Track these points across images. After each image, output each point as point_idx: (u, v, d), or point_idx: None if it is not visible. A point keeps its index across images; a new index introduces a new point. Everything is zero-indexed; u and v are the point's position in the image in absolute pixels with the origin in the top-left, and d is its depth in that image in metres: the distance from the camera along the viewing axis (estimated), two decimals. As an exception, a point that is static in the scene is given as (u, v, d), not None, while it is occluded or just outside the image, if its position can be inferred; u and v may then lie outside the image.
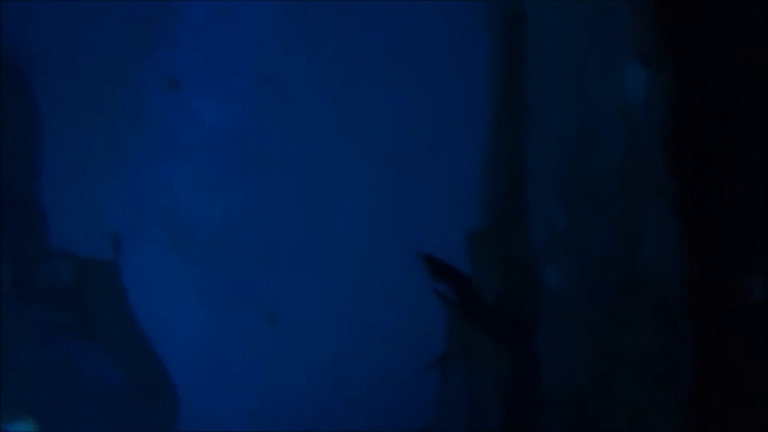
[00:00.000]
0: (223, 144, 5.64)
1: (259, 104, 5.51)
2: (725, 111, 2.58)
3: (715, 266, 2.56)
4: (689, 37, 2.62)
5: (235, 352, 5.50)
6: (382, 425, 4.63)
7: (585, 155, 3.24)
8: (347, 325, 5.06)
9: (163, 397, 5.53)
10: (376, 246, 5.01)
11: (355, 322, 5.04)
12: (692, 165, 2.59)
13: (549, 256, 3.59)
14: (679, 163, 2.64)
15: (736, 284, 2.50)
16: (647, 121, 2.81)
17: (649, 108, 2.78)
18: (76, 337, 5.73)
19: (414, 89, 4.92)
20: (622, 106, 2.95)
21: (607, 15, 2.97)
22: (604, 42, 3.09)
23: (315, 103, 5.32)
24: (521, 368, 3.73)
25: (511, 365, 3.71)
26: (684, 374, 2.60)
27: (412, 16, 4.88)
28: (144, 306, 5.57)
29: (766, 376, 2.47)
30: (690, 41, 2.62)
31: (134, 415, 5.47)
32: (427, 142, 4.88)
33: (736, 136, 2.56)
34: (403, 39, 4.93)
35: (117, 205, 5.96)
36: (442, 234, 4.76)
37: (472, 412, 4.07)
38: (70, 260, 6.04)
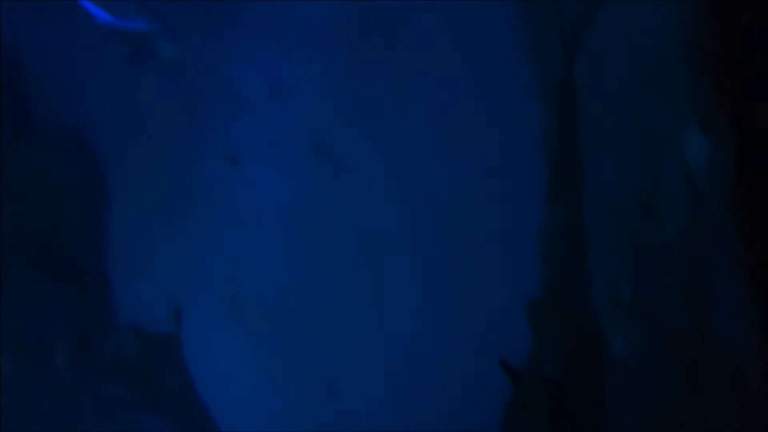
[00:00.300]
0: (280, 215, 5.67)
1: (315, 175, 5.54)
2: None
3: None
4: (750, 101, 2.52)
5: (294, 421, 5.40)
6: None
7: (647, 221, 3.11)
8: (402, 394, 4.93)
9: (224, 470, 5.45)
10: (431, 316, 4.91)
11: (410, 390, 4.89)
12: (764, 232, 2.45)
13: (614, 324, 3.43)
14: (750, 230, 2.50)
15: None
16: (711, 187, 2.68)
17: (713, 173, 2.66)
18: (139, 409, 5.73)
19: (467, 158, 4.88)
20: (684, 172, 2.83)
21: (662, 79, 2.89)
22: (660, 107, 3.00)
23: (369, 173, 5.32)
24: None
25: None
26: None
27: (464, 86, 4.88)
28: (204, 377, 5.55)
29: None
30: (751, 105, 2.52)
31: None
32: (482, 211, 4.80)
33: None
34: (456, 109, 4.93)
35: (178, 277, 6.02)
36: (499, 302, 4.63)
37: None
38: (133, 333, 6.09)
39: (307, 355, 5.25)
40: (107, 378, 5.87)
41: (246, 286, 5.67)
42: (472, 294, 4.78)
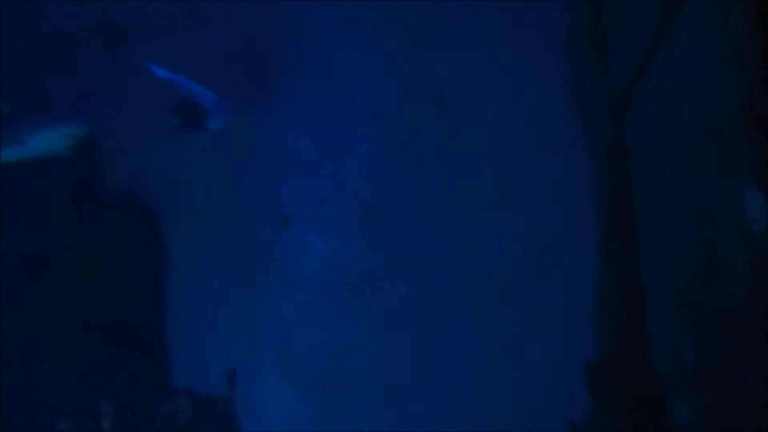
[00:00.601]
0: (331, 276, 5.64)
1: (364, 236, 5.53)
2: None
3: None
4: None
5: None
6: None
7: (707, 284, 2.96)
8: None
9: None
10: (485, 378, 4.76)
11: None
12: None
13: (677, 391, 3.25)
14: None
15: None
16: (773, 248, 2.55)
17: (774, 234, 2.53)
18: (195, 475, 5.67)
19: (518, 218, 4.79)
20: (744, 232, 2.70)
21: (717, 139, 2.79)
22: (716, 165, 2.88)
23: (418, 232, 5.27)
24: None
25: None
26: None
27: (514, 146, 4.84)
28: (258, 441, 5.48)
29: None
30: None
31: None
32: (534, 270, 4.68)
33: None
34: (506, 169, 4.87)
35: (232, 340, 6.00)
36: (555, 365, 4.47)
37: None
38: (188, 397, 6.07)
39: (358, 417, 5.13)
40: (163, 442, 5.85)
41: (298, 348, 5.61)
42: (526, 355, 4.63)
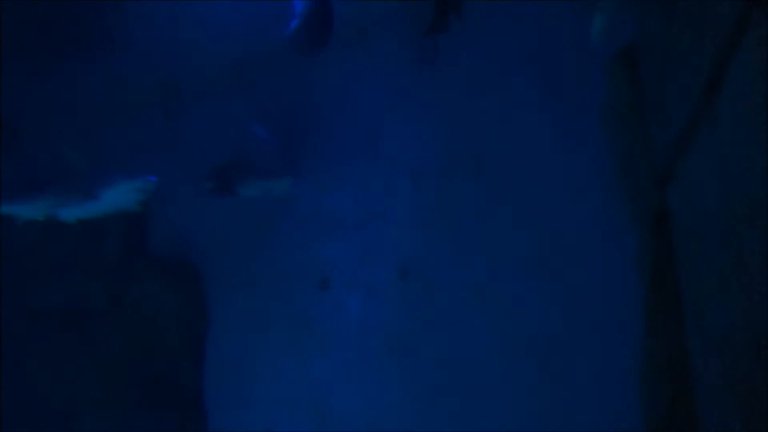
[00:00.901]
0: (368, 338, 5.57)
1: (402, 298, 5.46)
2: None
3: None
4: None
5: None
6: None
7: (757, 362, 2.83)
8: None
9: None
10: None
11: None
12: None
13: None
14: None
15: None
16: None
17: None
18: None
19: (558, 282, 4.69)
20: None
21: (760, 217, 2.70)
22: (761, 243, 2.79)
23: (456, 294, 5.19)
24: None
25: None
26: None
27: (554, 214, 4.78)
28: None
29: None
30: None
31: None
32: (574, 339, 4.56)
33: None
34: (546, 232, 4.80)
35: (270, 400, 5.93)
36: (596, 436, 4.30)
37: None
38: (226, 456, 6.00)
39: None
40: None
41: (334, 410, 5.51)
42: (566, 425, 4.46)
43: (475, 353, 4.98)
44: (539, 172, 4.90)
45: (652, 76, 3.64)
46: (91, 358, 6.48)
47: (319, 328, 5.80)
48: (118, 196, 5.48)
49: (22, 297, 6.58)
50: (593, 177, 4.47)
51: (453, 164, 5.37)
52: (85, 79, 6.49)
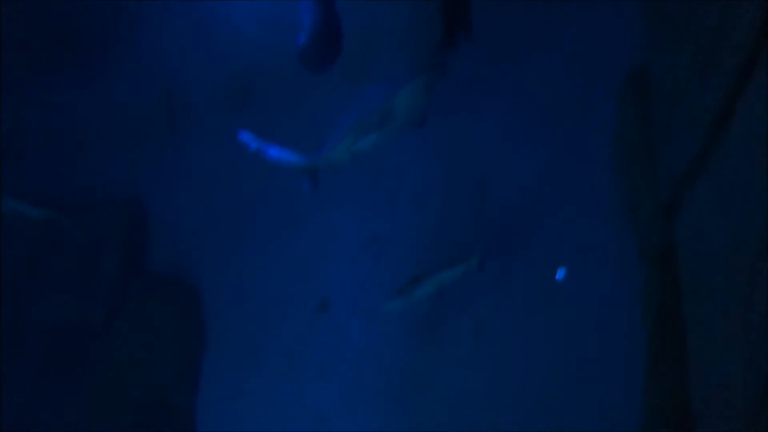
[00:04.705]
0: (367, 367, 5.50)
1: (403, 326, 5.39)
2: None
3: None
4: None
5: None
6: None
7: (762, 414, 2.73)
8: None
9: None
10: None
11: None
12: None
13: None
14: None
15: None
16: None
17: None
18: None
19: (563, 318, 4.61)
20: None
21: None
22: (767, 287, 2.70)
23: (458, 325, 5.13)
24: None
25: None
26: None
27: (559, 247, 4.69)
28: None
29: None
30: None
31: None
32: (579, 378, 4.45)
33: None
34: (550, 271, 4.71)
35: (264, 427, 5.88)
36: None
37: None
38: (215, 485, 5.93)
39: None
40: None
41: (330, 441, 5.45)
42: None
43: (477, 390, 4.89)
44: (544, 201, 4.83)
45: (662, 104, 3.57)
46: (86, 375, 6.47)
47: (316, 354, 5.75)
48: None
49: (18, 311, 6.60)
50: (599, 208, 4.39)
51: (455, 189, 5.32)
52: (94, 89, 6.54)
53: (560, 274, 4.51)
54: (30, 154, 6.70)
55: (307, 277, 5.94)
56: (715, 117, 3.16)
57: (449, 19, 5.07)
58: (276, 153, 5.00)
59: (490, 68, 5.17)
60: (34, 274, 6.64)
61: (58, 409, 6.39)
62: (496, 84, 5.14)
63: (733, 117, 3.00)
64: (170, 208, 6.60)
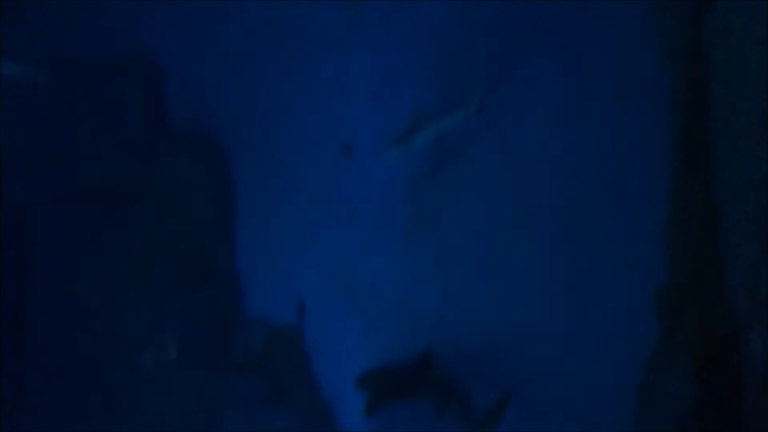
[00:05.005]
0: (394, 207, 5.53)
1: (428, 163, 5.36)
2: None
3: None
4: None
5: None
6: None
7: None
8: (518, 380, 4.61)
9: (345, 468, 5.43)
10: (550, 311, 4.57)
11: (527, 379, 4.57)
12: None
13: (752, 319, 2.99)
14: None
15: None
16: None
17: None
18: (267, 403, 5.85)
19: (590, 132, 4.49)
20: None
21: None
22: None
23: (483, 159, 5.06)
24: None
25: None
26: None
27: (590, 52, 4.47)
28: (326, 373, 5.56)
29: None
30: None
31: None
32: (602, 192, 4.38)
33: None
34: (579, 75, 4.52)
35: (301, 272, 6.06)
36: (623, 291, 4.23)
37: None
38: (261, 328, 6.24)
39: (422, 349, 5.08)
40: (239, 372, 6.06)
41: (363, 281, 5.59)
42: (593, 286, 4.40)
43: (503, 220, 4.88)
44: (578, 25, 4.55)
45: None
46: (124, 237, 6.69)
47: (344, 198, 5.79)
48: None
49: (47, 180, 6.76)
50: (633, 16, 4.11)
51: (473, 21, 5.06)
52: None
53: None
54: (32, 10, 6.55)
55: (328, 120, 5.88)
56: None
57: None
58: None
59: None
60: (58, 141, 6.72)
61: (101, 270, 6.68)
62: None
63: None
64: (185, 61, 6.50)
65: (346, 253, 5.71)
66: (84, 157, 6.62)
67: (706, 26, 3.44)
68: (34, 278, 7.03)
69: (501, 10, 4.98)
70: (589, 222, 4.44)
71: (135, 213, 6.66)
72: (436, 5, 5.38)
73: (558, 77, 4.67)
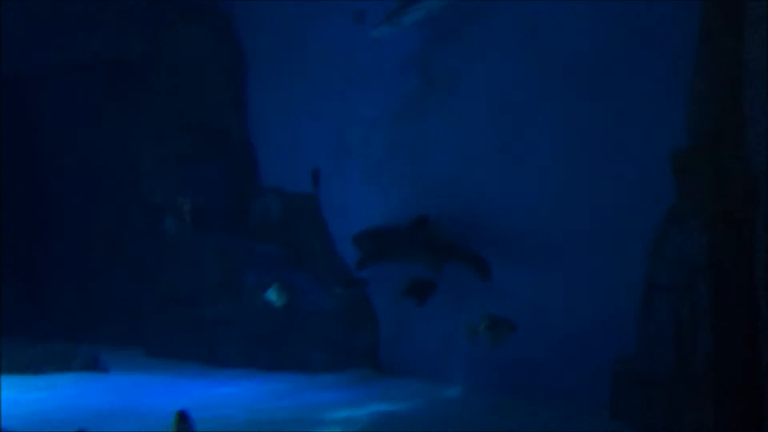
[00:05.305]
0: (408, 71, 5.47)
1: (443, 27, 5.24)
2: None
3: None
4: None
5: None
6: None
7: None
8: (534, 269, 4.71)
9: (365, 323, 5.70)
10: (564, 178, 4.60)
11: (541, 261, 4.68)
12: None
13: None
14: None
15: None
16: None
17: None
18: (287, 265, 6.06)
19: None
20: None
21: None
22: None
23: (500, 22, 4.96)
24: (730, 301, 3.29)
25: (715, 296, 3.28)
26: None
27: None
28: (342, 236, 5.71)
29: None
30: None
31: (341, 338, 5.72)
32: (624, 60, 4.30)
33: None
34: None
35: (316, 140, 6.09)
36: (642, 153, 4.27)
37: (678, 346, 3.67)
38: (278, 196, 6.35)
39: (436, 216, 5.18)
40: (258, 237, 6.23)
41: (378, 148, 5.63)
42: (609, 149, 4.43)
43: (519, 82, 4.84)
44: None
45: None
46: (138, 107, 6.70)
47: (357, 65, 5.74)
48: None
49: (58, 53, 6.68)
50: None
51: None
52: None
53: None
54: None
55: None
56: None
57: None
58: None
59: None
60: (67, 13, 6.61)
61: (116, 138, 6.73)
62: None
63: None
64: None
65: (359, 120, 5.73)
66: (94, 27, 6.54)
67: None
68: (45, 151, 7.11)
69: None
70: (606, 82, 4.41)
71: (148, 83, 6.64)
72: None
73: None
